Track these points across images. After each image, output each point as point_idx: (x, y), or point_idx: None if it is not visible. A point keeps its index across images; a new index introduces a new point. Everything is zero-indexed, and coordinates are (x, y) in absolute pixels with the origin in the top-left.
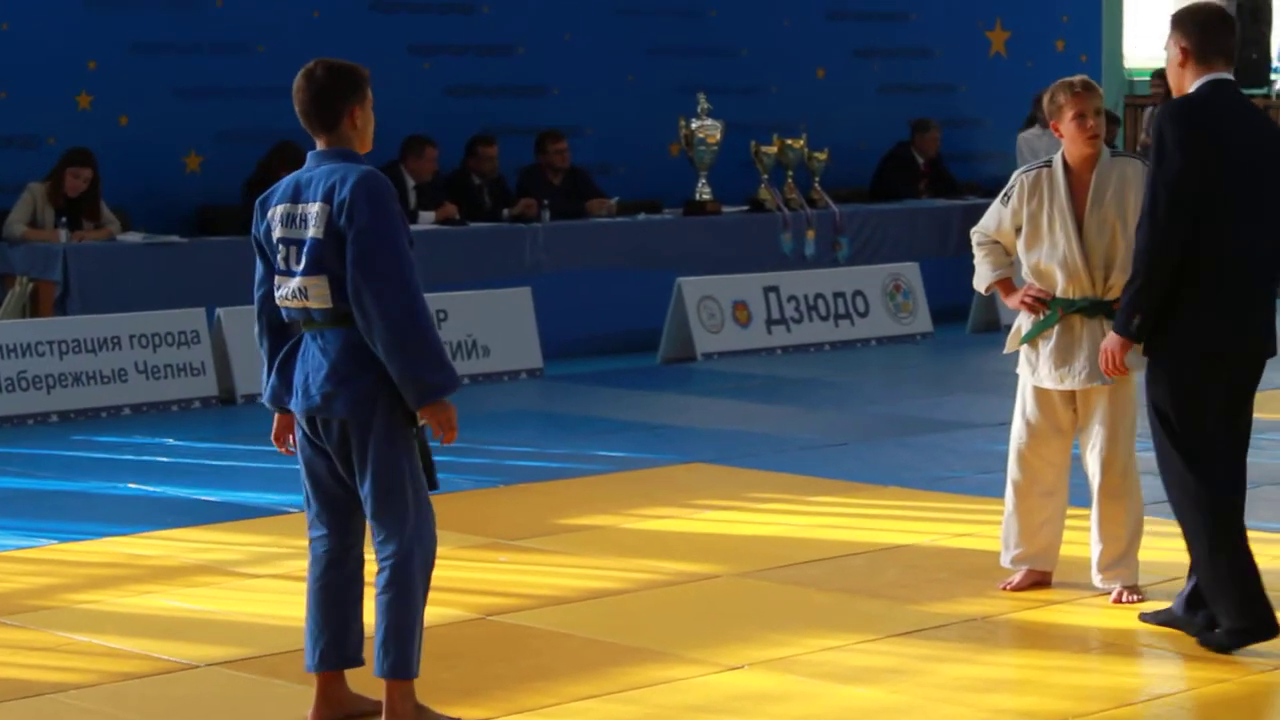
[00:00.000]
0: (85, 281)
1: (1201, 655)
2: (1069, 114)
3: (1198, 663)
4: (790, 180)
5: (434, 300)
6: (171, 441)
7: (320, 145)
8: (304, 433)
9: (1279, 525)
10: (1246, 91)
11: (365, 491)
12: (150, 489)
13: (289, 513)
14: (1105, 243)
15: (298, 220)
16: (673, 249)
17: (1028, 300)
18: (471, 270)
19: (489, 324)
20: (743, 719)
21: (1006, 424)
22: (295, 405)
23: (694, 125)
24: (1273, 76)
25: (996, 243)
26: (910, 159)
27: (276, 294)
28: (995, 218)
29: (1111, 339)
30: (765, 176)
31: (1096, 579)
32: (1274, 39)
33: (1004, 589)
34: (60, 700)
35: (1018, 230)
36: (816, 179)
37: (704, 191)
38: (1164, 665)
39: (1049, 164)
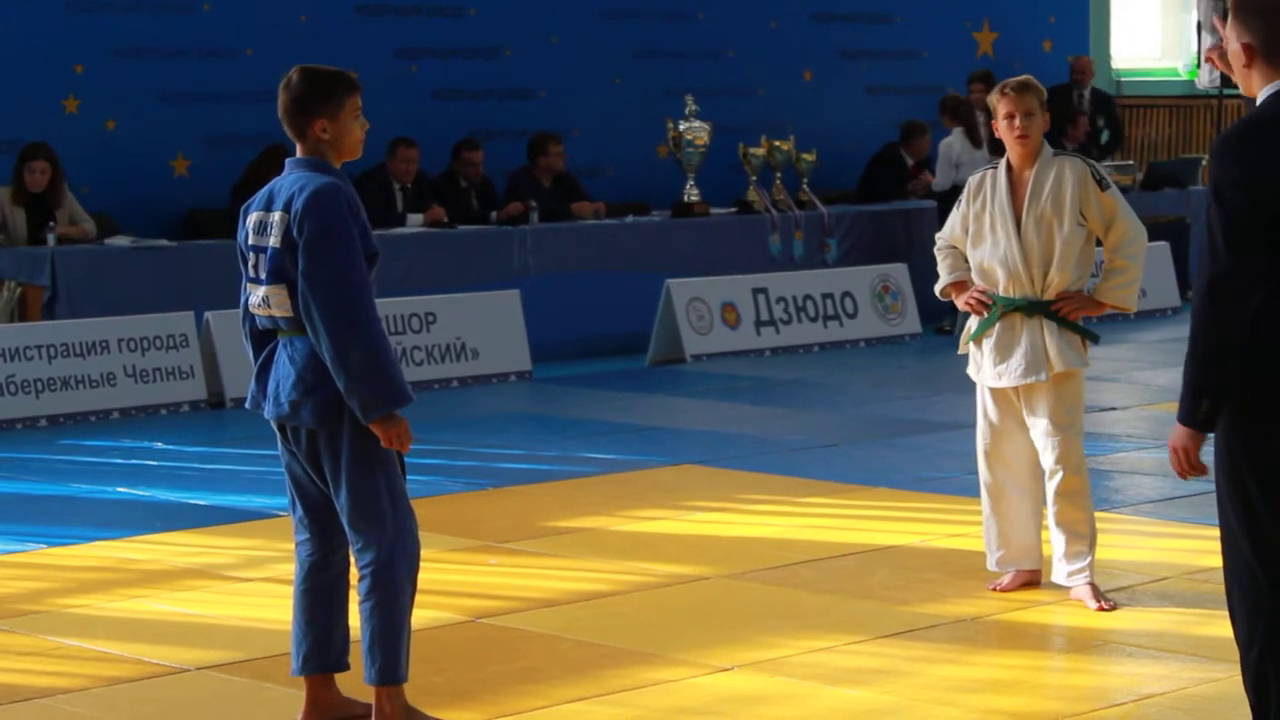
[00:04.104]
0: (73, 286)
1: (1190, 654)
2: (1000, 114)
3: (1187, 662)
4: (778, 182)
5: (422, 303)
6: (160, 445)
7: (299, 152)
8: (280, 439)
9: None
10: (1232, 93)
11: (341, 501)
12: (139, 493)
13: (278, 516)
14: (1042, 241)
15: (266, 228)
16: (661, 251)
17: (971, 301)
18: (460, 273)
19: (478, 326)
20: None
21: None
22: (268, 412)
23: (682, 127)
24: None
25: (954, 248)
26: (899, 160)
27: (249, 301)
28: (950, 224)
29: (1177, 433)
30: (753, 178)
31: (1062, 574)
32: None
33: (993, 590)
34: (50, 705)
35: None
36: (804, 180)
37: (692, 193)
38: (1153, 665)
39: (995, 166)
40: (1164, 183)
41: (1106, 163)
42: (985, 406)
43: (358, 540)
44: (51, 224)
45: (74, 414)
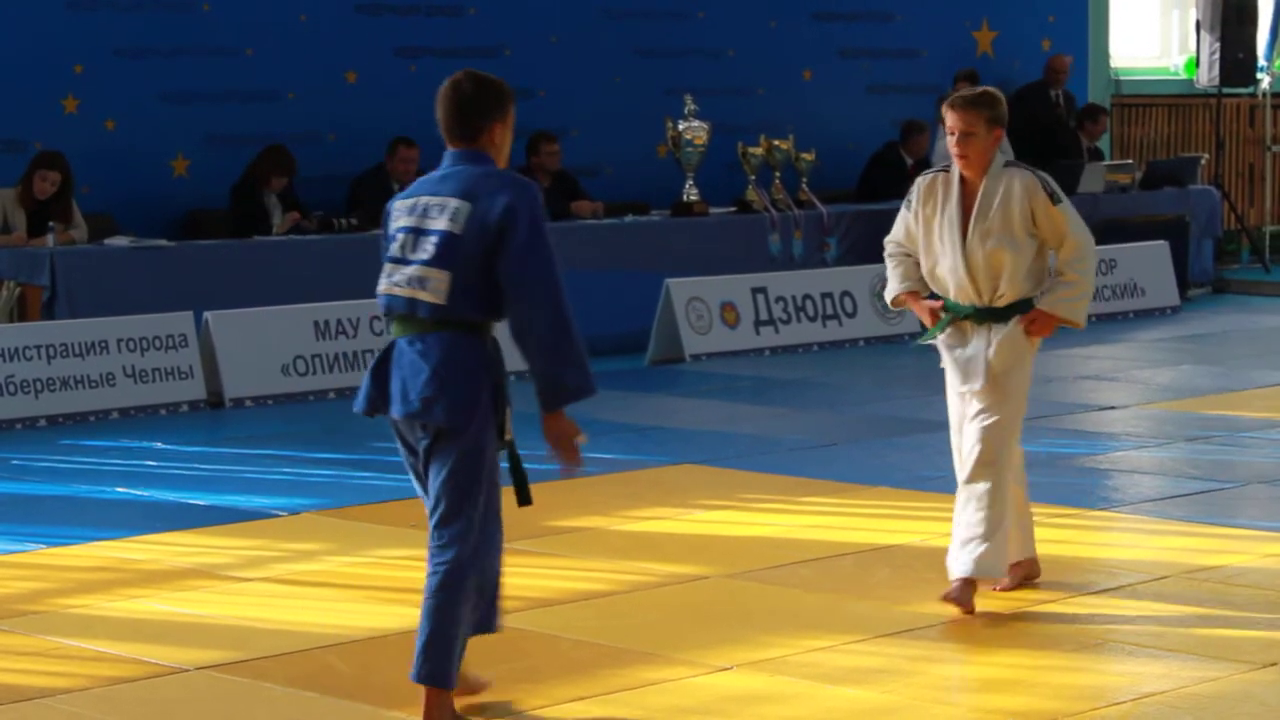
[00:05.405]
0: (73, 286)
1: (1190, 653)
2: (946, 126)
3: (1187, 661)
4: (777, 181)
5: None
6: (160, 445)
7: (458, 148)
8: (403, 440)
9: (1267, 524)
10: (1231, 92)
11: (436, 494)
12: (139, 493)
13: (278, 516)
14: (988, 257)
15: (428, 211)
16: (660, 250)
17: (935, 316)
18: None
19: None
20: None
21: None
22: (395, 411)
23: (681, 127)
24: (1259, 75)
25: (909, 254)
26: (898, 160)
27: (383, 281)
28: (902, 225)
29: None
30: (752, 177)
31: (953, 563)
32: (1259, 38)
33: (995, 590)
34: (49, 705)
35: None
36: (804, 180)
37: (691, 193)
38: (1153, 664)
39: (948, 169)
40: (1163, 181)
41: (1107, 161)
42: (952, 407)
43: (441, 538)
44: (51, 225)
45: (73, 414)
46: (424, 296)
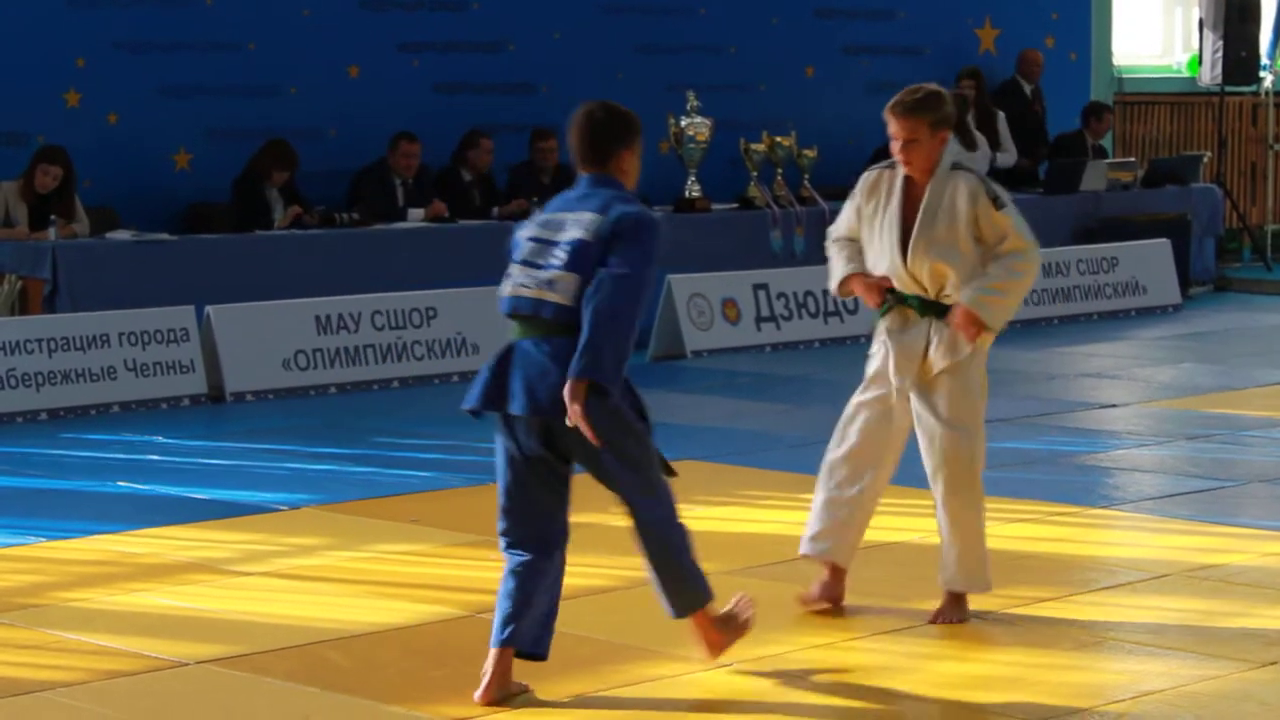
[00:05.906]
0: (74, 279)
1: (1190, 651)
2: (889, 132)
3: (1186, 659)
4: (779, 178)
5: (423, 298)
6: (161, 439)
7: (590, 172)
8: (514, 439)
9: (1268, 522)
10: (1235, 89)
11: (616, 477)
12: (139, 487)
13: (278, 510)
14: (931, 262)
15: (564, 225)
16: (662, 246)
17: (880, 291)
18: (461, 268)
19: (478, 322)
20: (732, 717)
21: (993, 420)
22: (516, 408)
23: (683, 123)
24: (1261, 74)
25: (852, 240)
26: None
27: (507, 283)
28: (844, 219)
29: None
30: (754, 174)
31: (948, 579)
32: (1262, 37)
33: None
34: (48, 698)
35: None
36: (806, 176)
37: (693, 189)
38: (1153, 662)
39: (894, 166)
40: (1165, 180)
41: (1110, 159)
42: (864, 394)
43: (639, 503)
44: (53, 219)
45: (74, 408)
46: (551, 297)
